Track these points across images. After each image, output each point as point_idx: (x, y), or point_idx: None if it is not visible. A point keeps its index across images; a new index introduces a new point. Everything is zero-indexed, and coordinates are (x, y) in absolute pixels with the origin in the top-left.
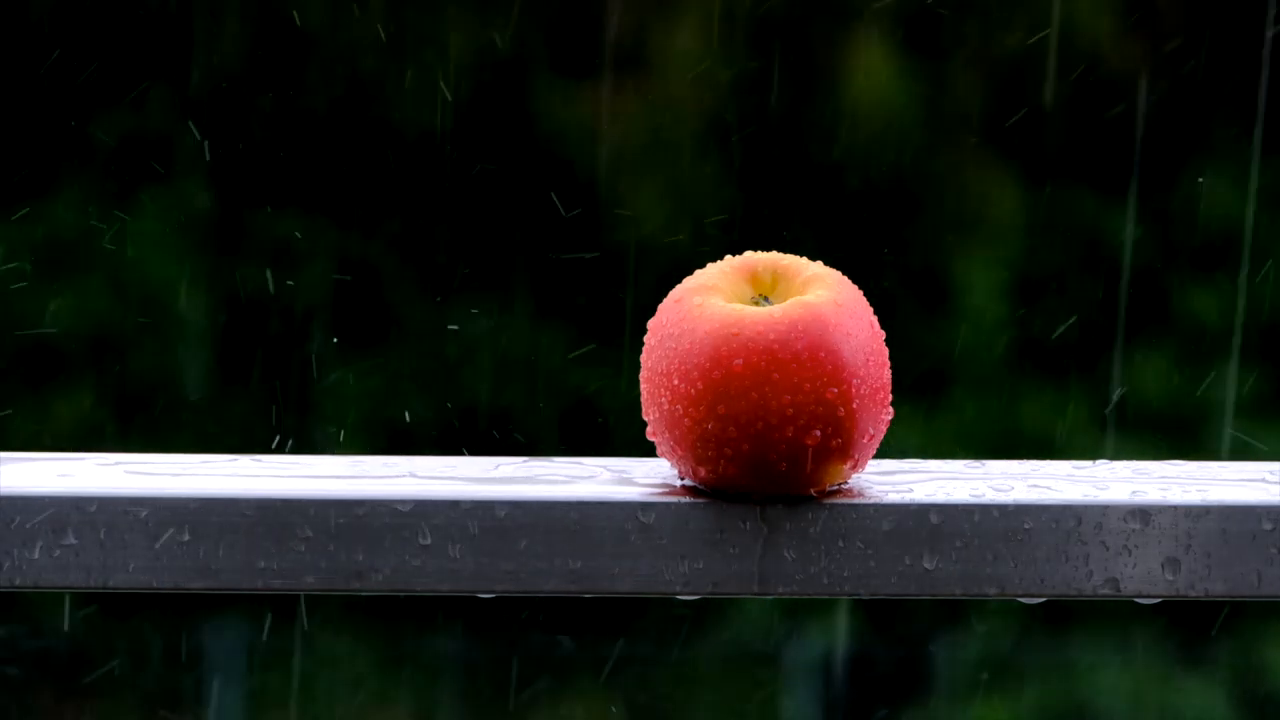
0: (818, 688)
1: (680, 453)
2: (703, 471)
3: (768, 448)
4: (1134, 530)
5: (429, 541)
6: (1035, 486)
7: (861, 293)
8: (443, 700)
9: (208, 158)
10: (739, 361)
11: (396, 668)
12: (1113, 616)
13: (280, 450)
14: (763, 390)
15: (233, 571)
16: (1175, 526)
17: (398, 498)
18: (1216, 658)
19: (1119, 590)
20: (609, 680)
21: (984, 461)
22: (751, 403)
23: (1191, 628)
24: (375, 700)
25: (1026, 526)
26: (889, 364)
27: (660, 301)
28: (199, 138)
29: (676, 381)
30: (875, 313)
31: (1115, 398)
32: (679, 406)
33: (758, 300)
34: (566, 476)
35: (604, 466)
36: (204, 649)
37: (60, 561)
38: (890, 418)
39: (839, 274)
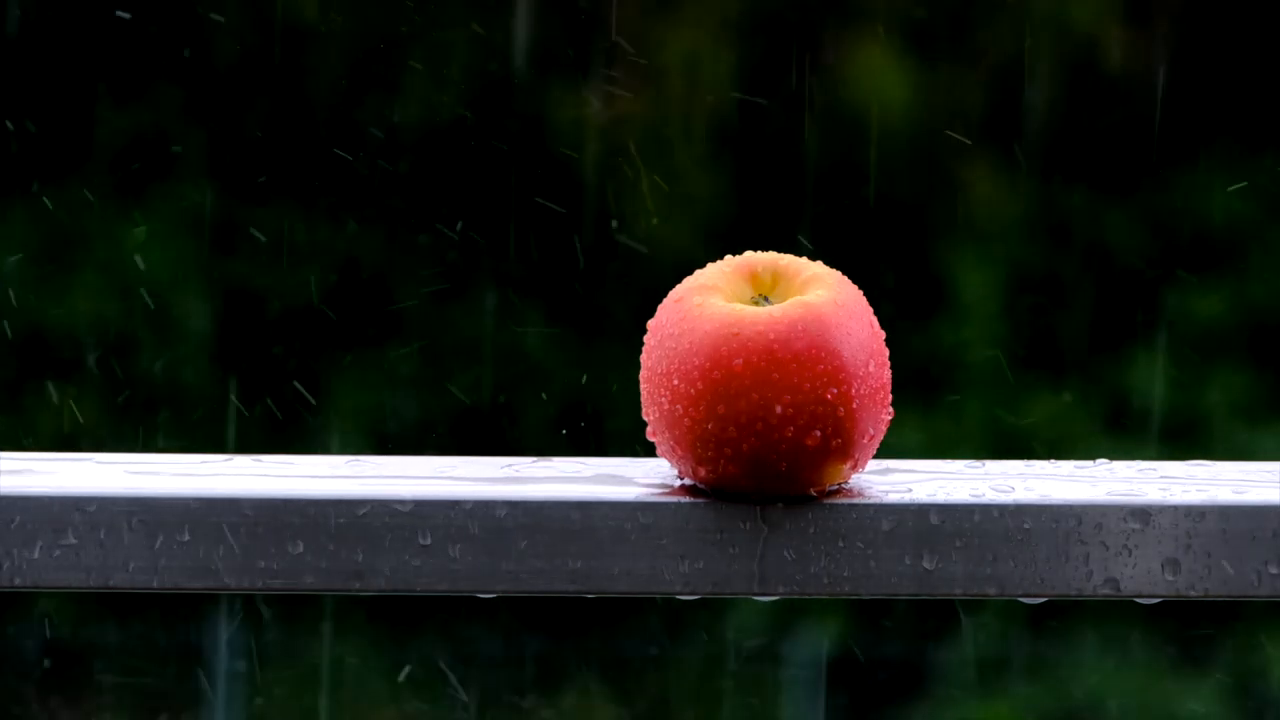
0: (817, 688)
1: (680, 453)
2: (703, 471)
3: (768, 448)
4: (1134, 530)
5: (429, 541)
6: (1035, 486)
7: (861, 293)
8: (443, 700)
9: (208, 156)
10: (739, 361)
11: (397, 668)
12: (1112, 616)
13: (280, 450)
14: (763, 390)
15: (233, 571)
16: (1175, 526)
17: (398, 498)
18: (1216, 658)
19: (1119, 590)
20: (609, 680)
21: (984, 461)
22: (751, 403)
23: (1191, 628)
24: (376, 700)
25: (1026, 526)
26: (889, 364)
27: (660, 301)
28: (200, 135)
29: (676, 381)
30: (875, 313)
31: (1115, 398)
32: (679, 406)
33: (758, 300)
34: (566, 476)
35: (604, 467)
36: (204, 649)
37: (60, 561)
38: (890, 418)
39: (839, 274)
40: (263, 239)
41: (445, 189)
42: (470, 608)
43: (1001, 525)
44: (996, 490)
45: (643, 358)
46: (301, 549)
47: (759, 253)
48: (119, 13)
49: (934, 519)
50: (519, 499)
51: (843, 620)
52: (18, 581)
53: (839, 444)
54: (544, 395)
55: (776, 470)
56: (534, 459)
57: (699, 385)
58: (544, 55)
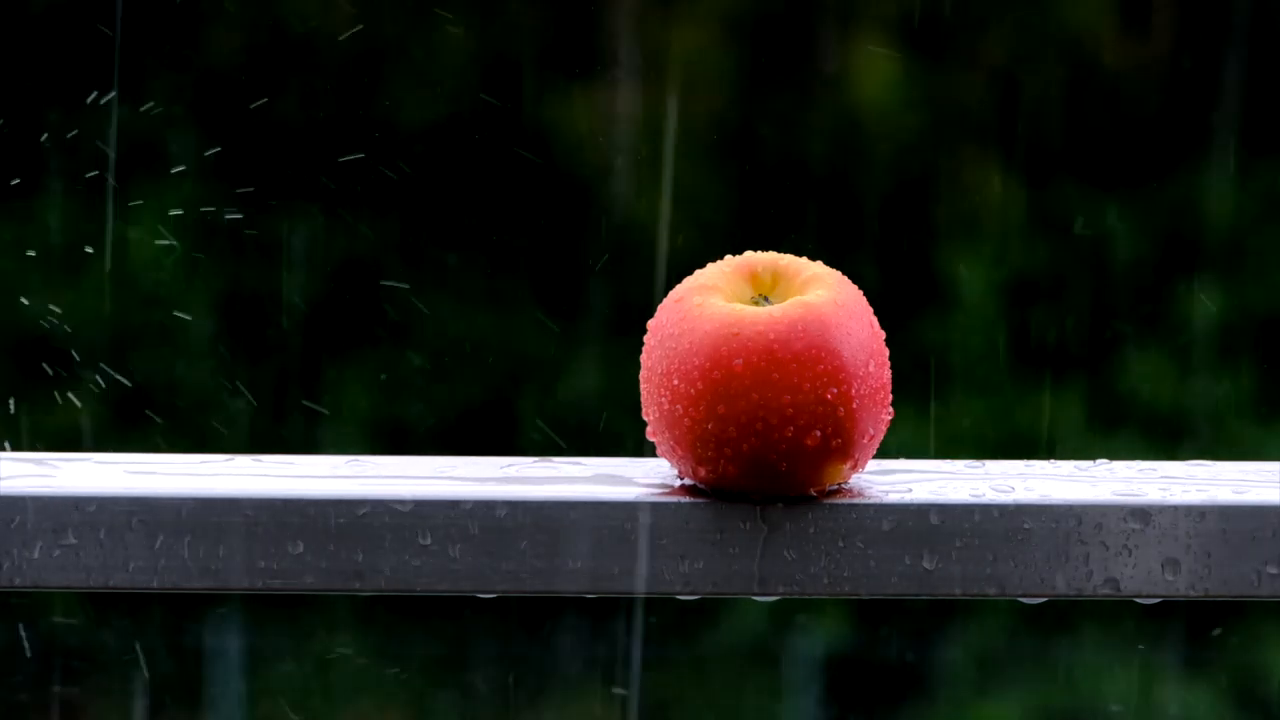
0: (818, 688)
1: (680, 453)
2: (703, 471)
3: (768, 448)
4: (1134, 530)
5: (429, 541)
6: (1035, 486)
7: (861, 293)
8: (442, 700)
9: (208, 156)
10: (739, 361)
11: (396, 668)
12: (1112, 616)
13: (280, 450)
14: (763, 390)
15: (233, 571)
16: (1175, 526)
17: (398, 498)
18: (1216, 658)
19: (1119, 590)
20: (609, 680)
21: (984, 461)
22: (751, 403)
23: (1191, 628)
24: (375, 700)
25: (1026, 526)
26: (889, 364)
27: (660, 301)
28: (199, 135)
29: (676, 381)
30: (875, 313)
31: (1115, 398)
32: (679, 406)
33: (758, 300)
34: (566, 476)
35: (604, 467)
36: (204, 648)
37: (60, 561)
38: (890, 418)
39: (839, 274)
40: (263, 239)
41: (445, 189)
42: (470, 607)
43: (1001, 525)
44: (996, 490)
45: (643, 358)
46: (301, 549)
47: (759, 253)
48: (102, 28)
49: (934, 519)
50: (519, 499)
51: (843, 620)
52: (18, 581)
53: (839, 444)
54: (544, 395)
55: (776, 470)
56: (534, 459)
57: (699, 385)
58: (545, 55)
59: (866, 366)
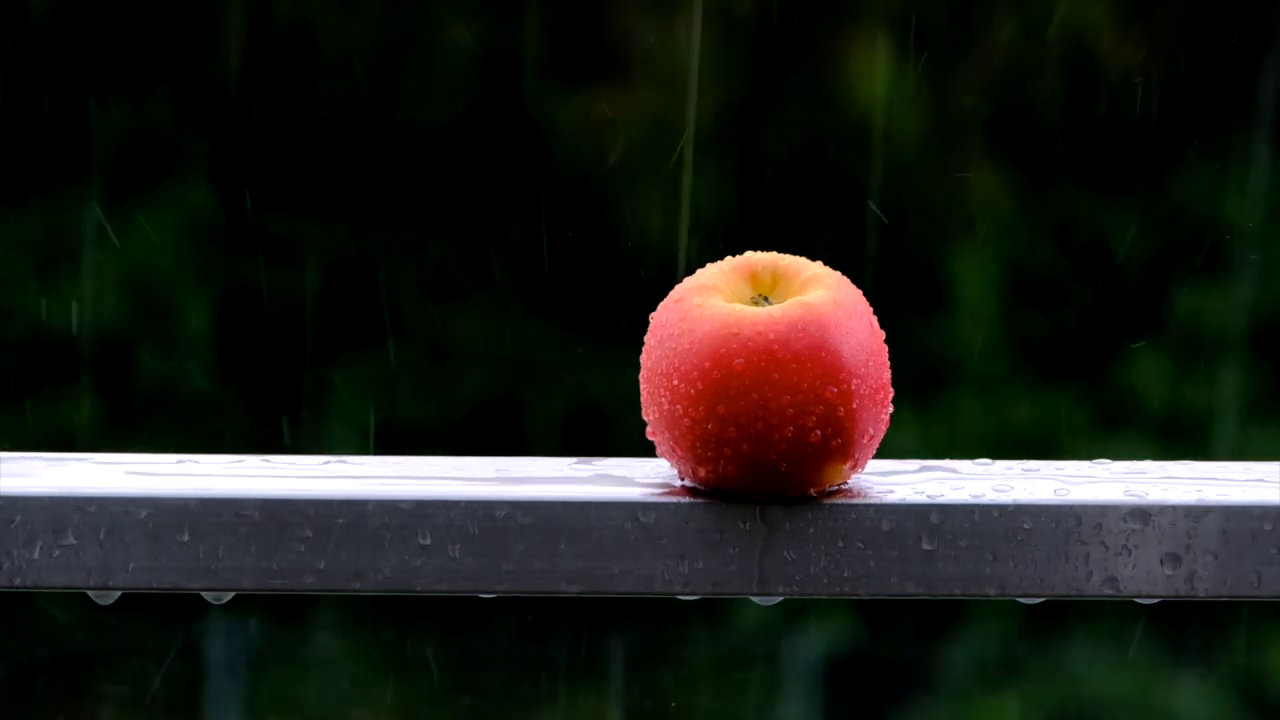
0: (817, 688)
1: (680, 453)
2: (702, 471)
3: (768, 448)
4: (1134, 530)
5: (429, 541)
6: (1035, 487)
7: (861, 293)
8: (442, 701)
9: (209, 157)
10: (739, 361)
11: (395, 668)
12: (1112, 616)
13: (279, 450)
14: (762, 390)
15: (233, 571)
16: (1175, 526)
17: (398, 498)
18: (1216, 658)
19: (1119, 590)
20: (609, 680)
21: (984, 461)
22: (751, 403)
23: (1191, 628)
24: (374, 700)
25: (1026, 526)
26: (889, 364)
27: (660, 301)
28: (200, 135)
29: (676, 381)
30: (875, 313)
31: (1114, 398)
32: (679, 406)
33: (757, 300)
34: (566, 476)
35: (604, 467)
36: (203, 649)
37: (60, 561)
38: (890, 417)
39: (839, 274)
40: (263, 239)
41: (446, 189)
42: (470, 608)
43: (1001, 525)
44: (996, 490)
45: (643, 358)
46: (301, 549)
47: (759, 253)
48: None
49: (934, 519)
50: (519, 499)
51: (843, 620)
52: (18, 581)
53: (839, 444)
54: (544, 395)
55: (776, 470)
56: (534, 459)
57: (699, 385)
58: (544, 55)
59: (866, 366)
